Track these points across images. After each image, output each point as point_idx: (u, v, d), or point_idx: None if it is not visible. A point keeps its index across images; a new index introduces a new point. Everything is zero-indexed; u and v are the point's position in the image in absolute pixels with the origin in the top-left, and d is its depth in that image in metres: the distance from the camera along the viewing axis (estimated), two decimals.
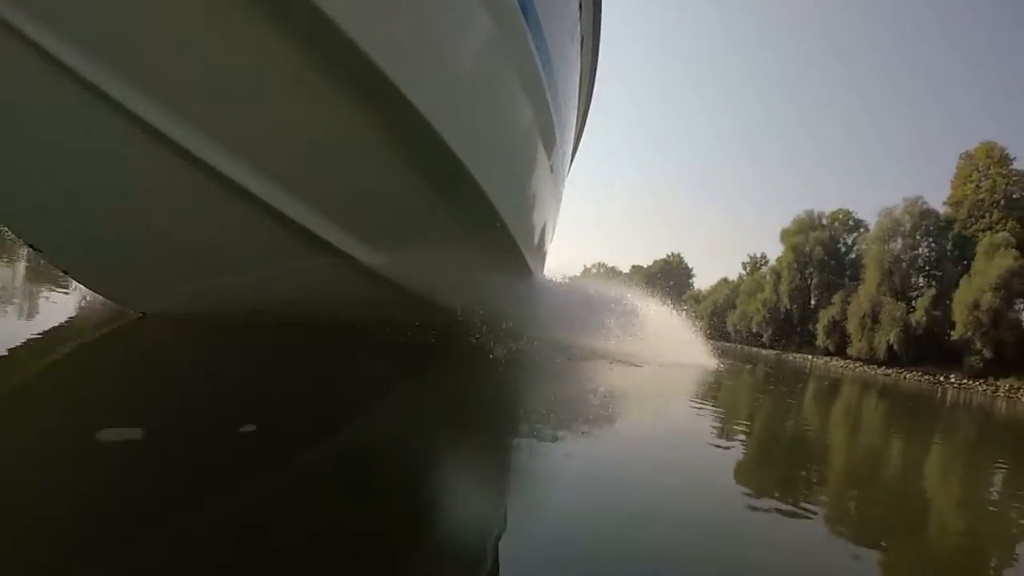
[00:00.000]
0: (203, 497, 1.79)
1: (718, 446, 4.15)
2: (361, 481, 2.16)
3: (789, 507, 2.75)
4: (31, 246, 4.49)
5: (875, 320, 37.90)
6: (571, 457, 3.04)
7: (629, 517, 2.27)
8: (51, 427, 2.18)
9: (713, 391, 8.08)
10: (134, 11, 3.05)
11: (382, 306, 6.30)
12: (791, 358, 38.79)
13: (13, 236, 4.72)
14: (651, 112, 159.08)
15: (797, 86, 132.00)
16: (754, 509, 2.71)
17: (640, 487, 2.75)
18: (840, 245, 46.91)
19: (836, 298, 41.95)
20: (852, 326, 39.41)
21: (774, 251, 50.50)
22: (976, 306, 32.34)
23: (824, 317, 42.32)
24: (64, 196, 3.90)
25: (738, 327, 51.35)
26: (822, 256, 45.03)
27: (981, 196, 39.76)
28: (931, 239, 39.92)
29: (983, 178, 40.48)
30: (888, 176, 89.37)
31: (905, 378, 32.85)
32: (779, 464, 4.06)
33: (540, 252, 9.89)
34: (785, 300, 46.73)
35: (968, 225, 39.38)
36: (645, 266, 78.57)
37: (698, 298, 61.51)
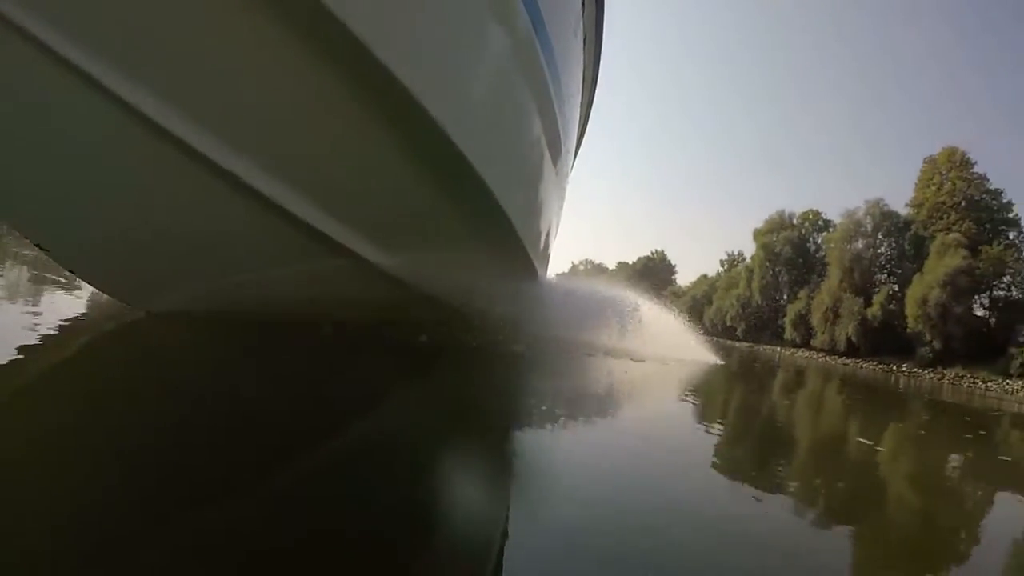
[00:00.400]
0: (211, 496, 1.82)
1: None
2: (379, 475, 2.23)
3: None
4: (38, 245, 4.53)
5: (836, 314, 40.57)
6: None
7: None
8: (51, 431, 2.17)
9: (717, 379, 9.76)
10: (145, 10, 3.09)
11: (389, 305, 6.42)
12: (762, 350, 41.23)
13: (19, 236, 4.84)
14: (636, 111, 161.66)
15: (781, 88, 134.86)
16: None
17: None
18: (809, 244, 49.53)
19: (802, 294, 44.71)
20: (816, 320, 42.11)
21: (752, 249, 52.93)
22: (925, 301, 34.96)
23: (791, 311, 45.07)
24: (70, 194, 3.92)
25: (714, 321, 53.85)
26: (790, 254, 47.77)
27: (941, 198, 41.90)
28: (891, 239, 42.54)
29: (944, 181, 42.64)
30: (870, 176, 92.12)
31: (861, 367, 35.36)
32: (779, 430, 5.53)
33: (545, 251, 10.00)
34: (757, 296, 49.44)
35: (928, 226, 41.69)
36: (630, 263, 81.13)
37: (678, 293, 63.97)
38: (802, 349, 43.35)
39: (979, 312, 36.32)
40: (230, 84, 3.52)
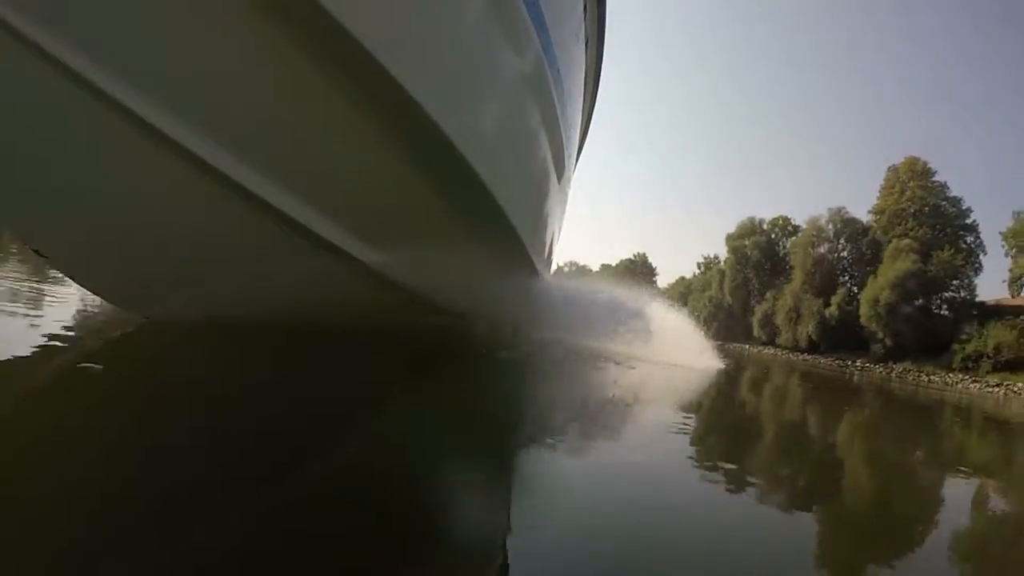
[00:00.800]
0: (223, 499, 1.88)
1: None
2: (384, 478, 2.37)
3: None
4: (36, 251, 4.49)
5: (798, 314, 43.27)
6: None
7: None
8: (51, 442, 2.19)
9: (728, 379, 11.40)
10: (140, 13, 3.06)
11: (393, 309, 6.41)
12: (732, 347, 43.75)
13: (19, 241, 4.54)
14: (618, 114, 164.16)
15: (761, 93, 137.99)
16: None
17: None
18: (779, 248, 52.21)
19: (769, 295, 47.43)
20: (780, 319, 44.80)
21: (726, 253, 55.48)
22: (876, 301, 37.63)
23: (759, 312, 47.80)
24: (68, 200, 3.88)
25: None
26: (759, 258, 50.53)
27: (902, 205, 44.17)
28: (852, 244, 45.29)
29: (905, 189, 45.03)
30: (848, 182, 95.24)
31: (820, 363, 38.11)
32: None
33: (546, 253, 9.98)
34: (728, 297, 52.14)
35: (888, 231, 44.32)
36: (613, 265, 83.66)
37: (658, 295, 66.41)
38: (768, 347, 46.06)
39: (945, 312, 38.81)
40: (228, 88, 3.52)
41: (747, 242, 51.46)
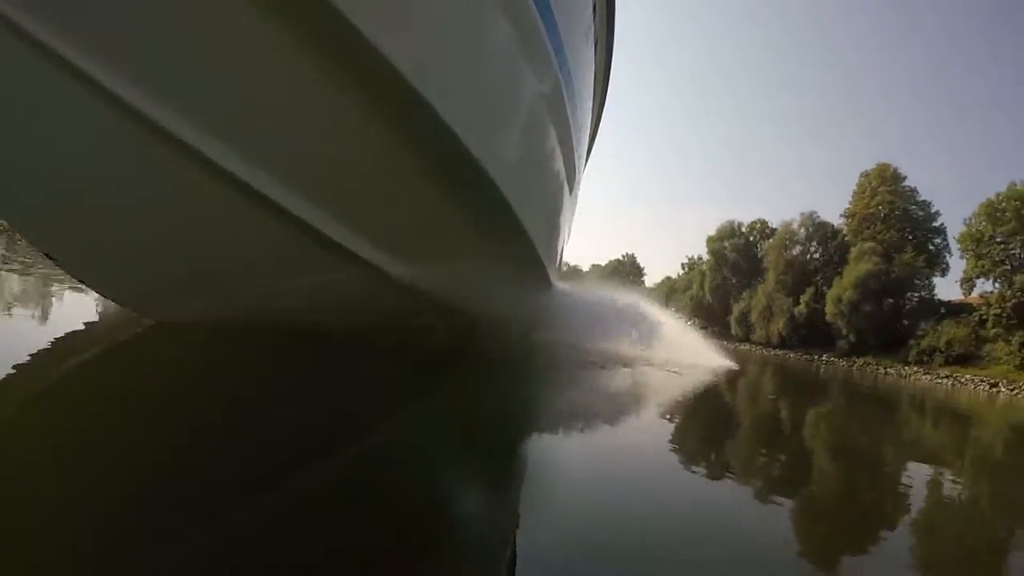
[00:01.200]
0: (236, 500, 1.90)
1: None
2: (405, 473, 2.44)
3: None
4: (47, 255, 4.47)
5: (771, 312, 46.28)
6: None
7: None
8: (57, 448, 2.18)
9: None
10: (156, 17, 3.06)
11: (405, 314, 6.41)
12: (710, 344, 46.76)
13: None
14: (607, 118, 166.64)
15: (754, 97, 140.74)
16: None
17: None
18: (757, 250, 55.14)
19: (745, 295, 50.39)
20: (755, 317, 47.82)
21: None
22: (840, 300, 40.62)
23: (736, 310, 50.83)
24: (80, 204, 3.89)
25: None
26: (736, 259, 53.50)
27: (871, 210, 46.45)
28: (822, 246, 48.26)
29: (875, 194, 47.18)
30: (840, 184, 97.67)
31: (790, 357, 41.04)
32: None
33: (557, 256, 10.05)
34: (708, 296, 55.14)
35: (857, 235, 46.98)
36: (602, 265, 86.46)
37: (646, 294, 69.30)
38: (744, 343, 49.01)
39: (905, 309, 41.36)
40: (244, 93, 3.53)
41: (726, 244, 54.52)
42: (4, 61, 3.05)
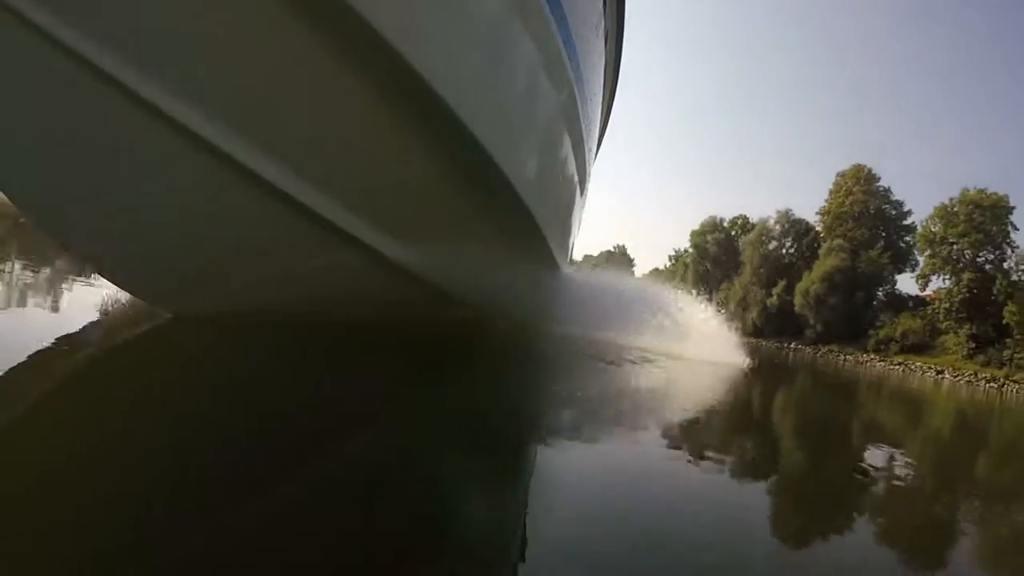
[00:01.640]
0: (251, 491, 1.95)
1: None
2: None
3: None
4: (64, 247, 4.67)
5: (746, 303, 49.76)
6: None
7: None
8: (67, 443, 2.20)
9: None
10: (170, 12, 3.16)
11: (420, 305, 6.45)
12: None
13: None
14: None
15: (749, 93, 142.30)
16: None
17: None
18: (738, 243, 58.38)
19: (724, 286, 53.80)
20: (731, 307, 51.21)
21: None
22: (807, 293, 44.11)
23: (716, 300, 54.14)
24: (95, 194, 3.90)
25: None
26: (717, 253, 56.87)
27: (844, 209, 49.13)
28: (797, 242, 51.62)
29: (850, 193, 49.75)
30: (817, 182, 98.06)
31: (762, 344, 44.52)
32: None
33: (566, 245, 10.21)
34: (691, 287, 58.32)
35: (830, 232, 49.74)
36: (594, 255, 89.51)
37: None
38: None
39: (869, 302, 44.51)
40: (260, 86, 3.61)
41: (708, 238, 57.87)
42: (28, 59, 3.15)
